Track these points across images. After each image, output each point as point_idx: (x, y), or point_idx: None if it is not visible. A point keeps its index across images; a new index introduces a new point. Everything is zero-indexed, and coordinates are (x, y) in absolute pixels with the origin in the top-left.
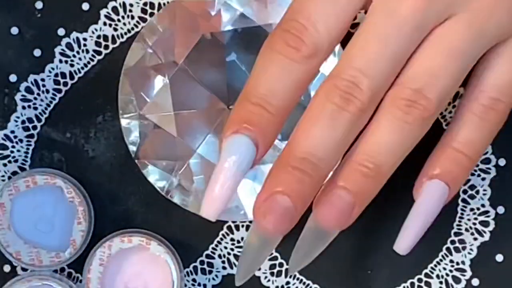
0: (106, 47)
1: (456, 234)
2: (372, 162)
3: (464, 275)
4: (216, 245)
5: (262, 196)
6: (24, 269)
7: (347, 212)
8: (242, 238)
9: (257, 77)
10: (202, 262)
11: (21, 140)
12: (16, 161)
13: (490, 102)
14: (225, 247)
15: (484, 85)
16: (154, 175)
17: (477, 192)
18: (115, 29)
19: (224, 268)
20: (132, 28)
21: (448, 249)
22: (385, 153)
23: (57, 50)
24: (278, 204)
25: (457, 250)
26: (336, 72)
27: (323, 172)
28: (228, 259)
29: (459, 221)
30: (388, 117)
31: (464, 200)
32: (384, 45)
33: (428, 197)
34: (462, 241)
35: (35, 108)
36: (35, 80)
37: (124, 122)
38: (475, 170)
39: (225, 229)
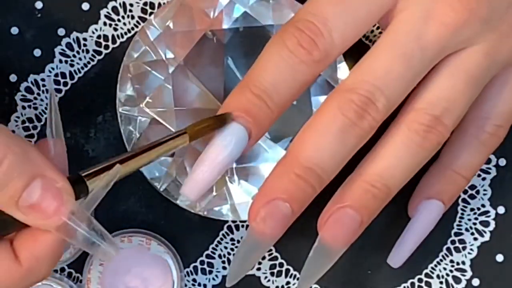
0: (106, 47)
1: (456, 234)
2: (384, 185)
3: (464, 275)
4: (216, 245)
5: (263, 199)
6: None
7: (355, 231)
8: (242, 238)
9: (263, 68)
10: (202, 262)
11: None
12: None
13: (494, 129)
14: (225, 247)
15: (490, 113)
16: (150, 171)
17: (478, 192)
18: (115, 29)
19: (224, 268)
20: (132, 28)
21: (448, 249)
22: (397, 176)
23: (57, 50)
24: (279, 210)
25: (457, 250)
26: (352, 84)
27: (324, 183)
28: (228, 259)
29: (459, 221)
30: (405, 141)
31: (464, 200)
32: (407, 66)
33: (425, 216)
34: (462, 241)
35: (35, 108)
36: (35, 80)
37: (121, 117)
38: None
39: (225, 229)
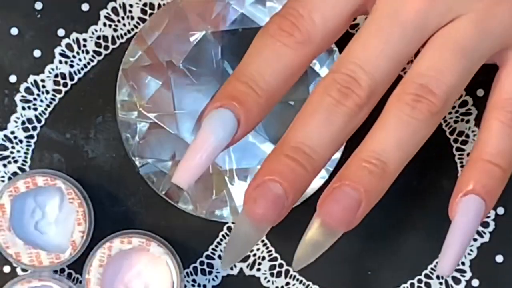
0: (106, 47)
1: None
2: (378, 159)
3: (464, 276)
4: (216, 246)
5: (254, 183)
6: (24, 270)
7: (353, 209)
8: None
9: (249, 58)
10: (202, 263)
11: (21, 141)
12: (16, 162)
13: None
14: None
15: (507, 93)
16: (149, 174)
17: None
18: (115, 30)
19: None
20: (132, 29)
21: None
22: (392, 150)
23: (57, 50)
24: (270, 190)
25: None
26: (336, 66)
27: (316, 164)
28: None
29: None
30: (395, 113)
31: None
32: (385, 43)
33: (465, 215)
34: None
35: (35, 109)
36: (35, 81)
37: (121, 121)
38: None
39: (225, 230)
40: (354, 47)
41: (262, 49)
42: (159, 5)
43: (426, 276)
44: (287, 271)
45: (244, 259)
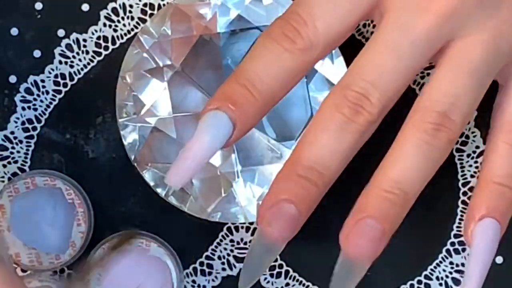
0: (106, 48)
1: (456, 236)
2: (400, 189)
3: (463, 276)
4: (216, 247)
5: (268, 203)
6: (23, 271)
7: (378, 241)
8: (241, 240)
9: (249, 60)
10: (201, 264)
11: (20, 141)
12: (15, 162)
13: None
14: (225, 249)
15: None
16: (153, 178)
17: None
18: (115, 30)
19: (223, 269)
20: (132, 29)
21: (448, 251)
22: (412, 178)
23: (57, 51)
24: (284, 211)
25: (456, 252)
26: (346, 82)
27: (327, 180)
28: (228, 261)
29: (459, 223)
30: (414, 141)
31: (464, 202)
32: (397, 59)
33: (483, 239)
34: (461, 243)
35: (35, 109)
36: (35, 81)
37: (122, 126)
38: (475, 172)
39: (224, 230)
40: (364, 62)
41: (263, 52)
42: (159, 6)
43: (426, 277)
44: (287, 272)
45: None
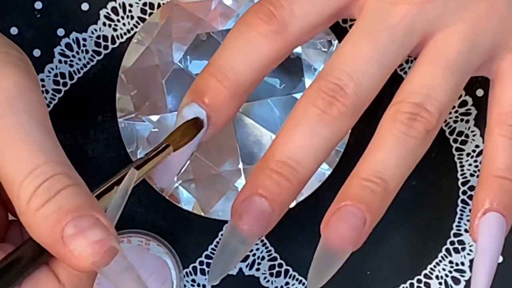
0: (106, 47)
1: (455, 235)
2: (379, 177)
3: (463, 276)
4: (216, 246)
5: (240, 197)
6: None
7: (358, 228)
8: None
9: (222, 48)
10: (201, 263)
11: None
12: None
13: None
14: None
15: (505, 106)
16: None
17: None
18: (115, 30)
19: None
20: (132, 29)
21: (447, 250)
22: (392, 168)
23: (57, 50)
24: (255, 205)
25: (456, 251)
26: (322, 73)
27: (302, 177)
28: None
29: (459, 222)
30: (392, 132)
31: (463, 201)
32: (373, 48)
33: (488, 233)
34: (461, 242)
35: None
36: None
37: (122, 123)
38: (475, 171)
39: (224, 230)
40: (341, 53)
41: (236, 39)
42: (159, 5)
43: (426, 276)
44: (286, 271)
45: (244, 259)
